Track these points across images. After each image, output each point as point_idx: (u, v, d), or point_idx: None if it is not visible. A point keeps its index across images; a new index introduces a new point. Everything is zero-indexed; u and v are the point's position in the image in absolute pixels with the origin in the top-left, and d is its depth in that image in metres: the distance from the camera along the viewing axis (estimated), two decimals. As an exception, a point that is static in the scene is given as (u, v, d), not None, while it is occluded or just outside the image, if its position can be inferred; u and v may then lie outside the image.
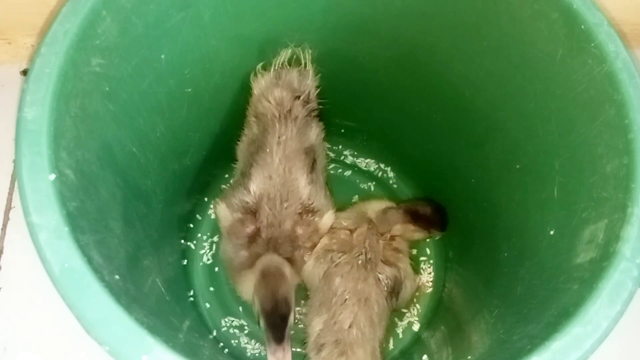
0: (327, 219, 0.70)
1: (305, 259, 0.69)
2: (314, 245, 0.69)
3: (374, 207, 0.74)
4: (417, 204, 0.75)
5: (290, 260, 0.68)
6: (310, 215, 0.68)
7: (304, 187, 0.67)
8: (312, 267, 0.68)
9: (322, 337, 0.64)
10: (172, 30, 0.55)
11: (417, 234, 0.74)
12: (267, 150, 0.66)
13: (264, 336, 0.60)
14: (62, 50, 0.43)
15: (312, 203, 0.68)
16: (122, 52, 0.50)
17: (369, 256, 0.68)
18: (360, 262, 0.67)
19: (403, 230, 0.72)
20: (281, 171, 0.66)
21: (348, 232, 0.70)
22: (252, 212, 0.67)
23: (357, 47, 0.69)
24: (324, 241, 0.70)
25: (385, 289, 0.68)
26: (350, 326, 0.63)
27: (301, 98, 0.69)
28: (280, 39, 0.67)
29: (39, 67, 0.43)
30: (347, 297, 0.65)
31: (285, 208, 0.66)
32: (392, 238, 0.72)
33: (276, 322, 0.60)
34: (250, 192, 0.66)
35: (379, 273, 0.67)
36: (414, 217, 0.72)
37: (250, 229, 0.67)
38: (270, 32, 0.65)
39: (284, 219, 0.66)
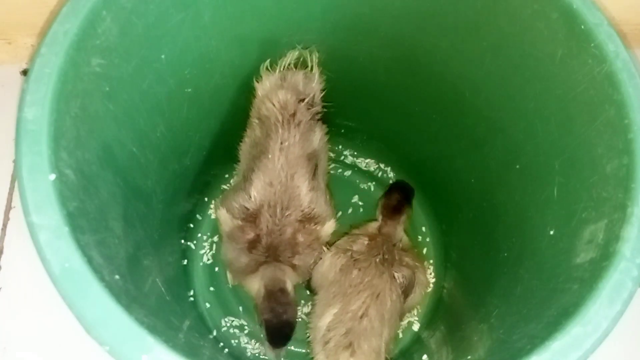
0: (328, 227, 0.70)
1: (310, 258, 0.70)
2: (313, 249, 0.70)
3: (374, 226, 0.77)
4: (384, 203, 0.78)
5: (291, 265, 0.68)
6: (311, 223, 0.68)
7: (305, 194, 0.66)
8: (329, 261, 0.70)
9: (331, 330, 0.65)
10: (172, 30, 0.55)
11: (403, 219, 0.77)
12: (269, 155, 0.65)
13: (262, 336, 0.66)
14: (62, 50, 0.43)
15: (313, 210, 0.67)
16: (122, 52, 0.50)
17: (386, 256, 0.70)
18: (378, 259, 0.69)
19: (402, 229, 0.75)
20: (282, 178, 0.65)
21: (367, 238, 0.73)
22: (252, 218, 0.67)
23: (357, 47, 0.69)
24: (344, 239, 0.73)
25: (399, 287, 0.69)
26: (362, 316, 0.65)
27: (305, 101, 0.68)
28: (280, 39, 0.67)
29: (39, 67, 0.43)
30: (362, 288, 0.67)
31: (286, 216, 0.66)
32: (404, 250, 0.74)
33: (279, 340, 0.66)
34: (250, 197, 0.66)
35: (395, 272, 0.69)
36: (391, 212, 0.76)
37: (250, 235, 0.67)
38: (270, 32, 0.65)
39: (284, 226, 0.66)
